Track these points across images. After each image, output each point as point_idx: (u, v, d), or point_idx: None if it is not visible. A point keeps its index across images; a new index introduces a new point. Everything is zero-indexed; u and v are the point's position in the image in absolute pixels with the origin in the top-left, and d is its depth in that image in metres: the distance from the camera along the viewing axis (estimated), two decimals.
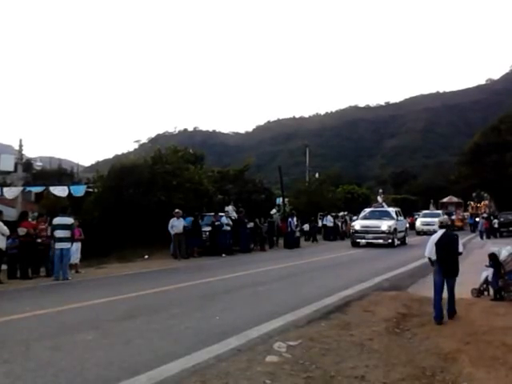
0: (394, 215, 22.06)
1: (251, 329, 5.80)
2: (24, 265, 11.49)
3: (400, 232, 21.85)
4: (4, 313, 6.85)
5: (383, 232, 20.48)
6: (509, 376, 4.15)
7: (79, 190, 17.68)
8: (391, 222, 21.02)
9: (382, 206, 25.67)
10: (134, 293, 8.76)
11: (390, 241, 20.34)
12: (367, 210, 24.16)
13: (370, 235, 20.67)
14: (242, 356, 4.66)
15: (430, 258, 6.70)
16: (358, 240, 21.07)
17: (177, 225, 16.47)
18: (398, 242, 21.35)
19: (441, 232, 6.72)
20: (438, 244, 6.53)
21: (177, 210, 16.77)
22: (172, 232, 16.34)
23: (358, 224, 21.85)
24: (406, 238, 23.23)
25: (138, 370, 4.22)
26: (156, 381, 3.97)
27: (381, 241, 20.33)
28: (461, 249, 6.76)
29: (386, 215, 21.96)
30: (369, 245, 20.35)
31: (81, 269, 12.96)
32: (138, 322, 6.35)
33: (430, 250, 6.67)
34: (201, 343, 5.11)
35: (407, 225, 25.76)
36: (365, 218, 22.50)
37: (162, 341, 5.32)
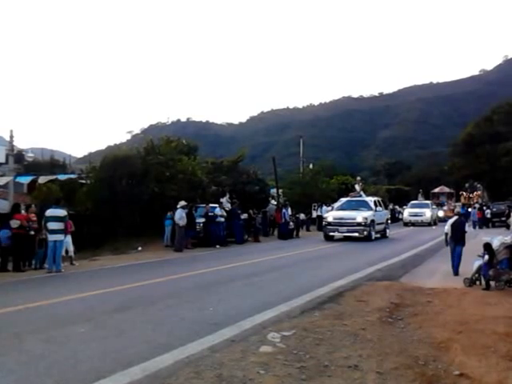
0: (372, 205, 20.14)
1: (245, 319, 5.81)
2: (17, 257, 11.40)
3: (379, 224, 19.98)
4: None
5: (358, 224, 18.60)
6: (500, 364, 4.19)
7: (64, 176, 17.80)
8: (368, 213, 19.04)
9: (360, 196, 23.67)
10: (128, 285, 8.75)
11: (365, 233, 18.52)
12: (343, 199, 22.46)
13: (344, 228, 18.81)
14: (236, 347, 4.67)
15: (446, 234, 9.99)
16: (331, 233, 19.16)
17: (185, 216, 16.45)
18: (377, 235, 19.64)
19: (455, 217, 10.33)
20: (453, 225, 9.94)
21: (183, 202, 16.76)
22: (181, 224, 16.24)
23: (330, 216, 19.79)
24: (387, 231, 21.32)
25: (131, 361, 4.21)
26: (150, 372, 3.96)
27: (356, 234, 18.56)
28: (467, 229, 10.21)
29: (363, 205, 20.19)
30: (346, 238, 18.72)
31: (75, 261, 12.90)
32: (131, 313, 6.34)
33: (447, 228, 9.99)
34: (195, 334, 5.11)
35: (388, 216, 23.75)
36: (341, 208, 20.73)
37: (156, 332, 5.32)
